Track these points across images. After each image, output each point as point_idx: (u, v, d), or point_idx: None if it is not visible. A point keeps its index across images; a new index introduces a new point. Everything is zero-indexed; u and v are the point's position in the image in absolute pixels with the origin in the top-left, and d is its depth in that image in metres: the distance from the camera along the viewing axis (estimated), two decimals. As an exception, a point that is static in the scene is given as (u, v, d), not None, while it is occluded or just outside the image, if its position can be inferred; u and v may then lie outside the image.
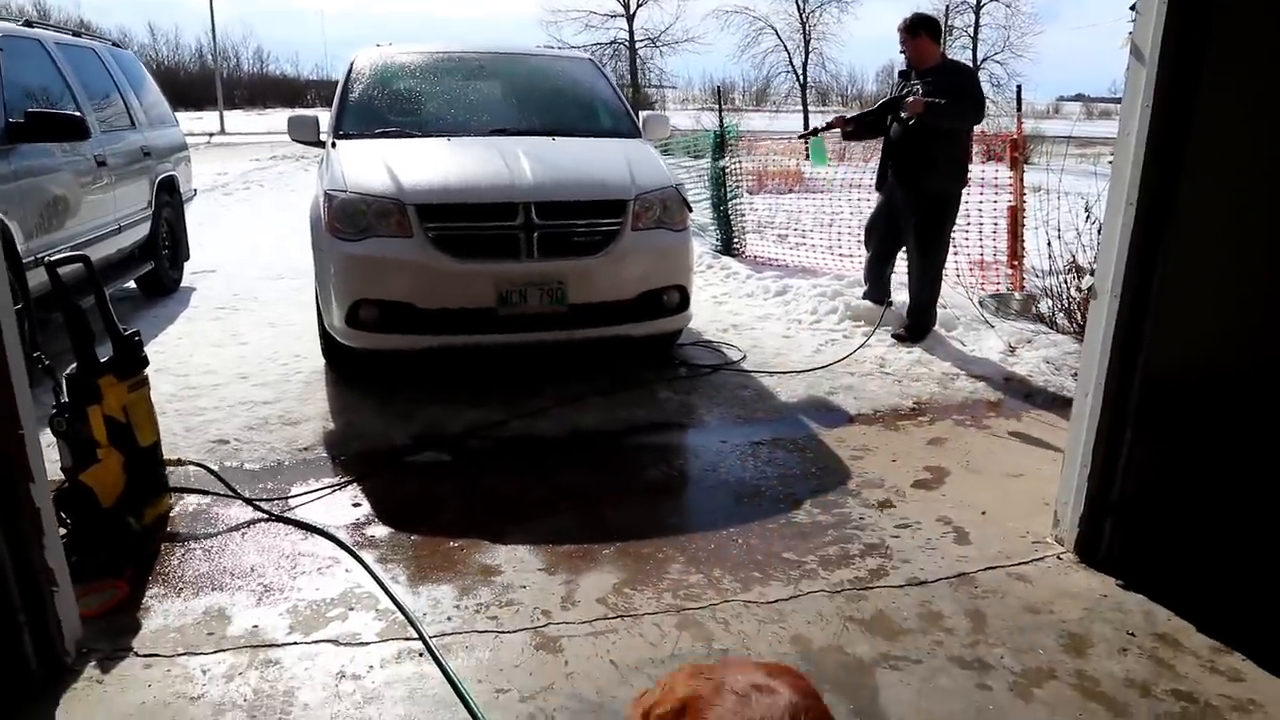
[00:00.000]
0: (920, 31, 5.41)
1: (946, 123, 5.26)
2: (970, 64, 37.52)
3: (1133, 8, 2.72)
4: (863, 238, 6.11)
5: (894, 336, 5.69)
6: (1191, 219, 2.72)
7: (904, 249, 5.74)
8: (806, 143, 6.24)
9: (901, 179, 5.52)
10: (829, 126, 6.10)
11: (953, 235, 5.72)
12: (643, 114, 6.16)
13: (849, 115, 6.11)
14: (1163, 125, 2.66)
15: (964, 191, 5.62)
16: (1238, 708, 2.34)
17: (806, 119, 37.27)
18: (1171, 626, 2.69)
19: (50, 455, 2.90)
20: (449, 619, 2.72)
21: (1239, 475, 2.94)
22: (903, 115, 5.42)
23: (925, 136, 5.32)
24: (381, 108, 5.49)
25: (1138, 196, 2.73)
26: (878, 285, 6.04)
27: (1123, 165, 2.79)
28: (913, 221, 5.50)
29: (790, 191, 12.86)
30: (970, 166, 5.65)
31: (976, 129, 5.85)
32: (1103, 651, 2.57)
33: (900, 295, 5.92)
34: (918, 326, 5.67)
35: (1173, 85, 2.63)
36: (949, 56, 5.58)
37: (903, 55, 5.59)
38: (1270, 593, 2.83)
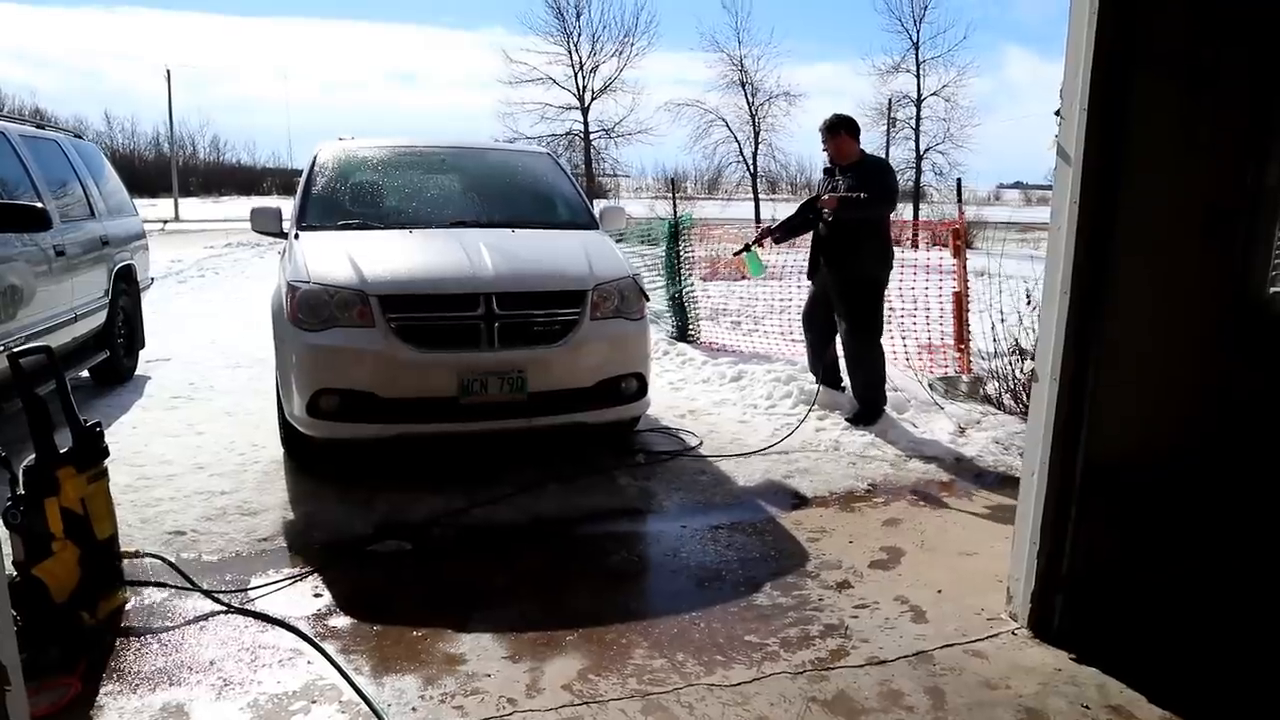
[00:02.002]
0: (840, 131, 5.76)
1: (858, 214, 5.59)
2: (915, 154, 39.12)
3: (1057, 113, 2.93)
4: (802, 327, 6.32)
5: (847, 420, 5.83)
6: (1123, 308, 2.90)
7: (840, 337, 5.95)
8: (743, 258, 6.47)
9: (832, 268, 5.79)
10: (759, 240, 6.45)
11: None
12: (599, 205, 6.34)
13: (773, 225, 6.44)
14: (1090, 220, 2.85)
15: (891, 275, 5.92)
16: (1188, 778, 2.41)
17: (757, 207, 38.33)
18: (1124, 698, 2.76)
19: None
20: (414, 709, 2.70)
21: (1179, 551, 3.07)
22: (822, 213, 5.78)
23: (850, 226, 5.64)
24: (344, 200, 5.60)
25: (1071, 286, 2.90)
26: (825, 370, 6.20)
27: (1056, 256, 2.97)
28: (845, 308, 5.76)
29: (744, 278, 13.13)
30: (894, 251, 5.95)
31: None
32: (1058, 726, 2.63)
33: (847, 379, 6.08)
34: (868, 409, 5.81)
35: (1098, 185, 2.83)
36: (867, 152, 5.91)
37: (825, 153, 5.92)
38: (1212, 661, 2.93)
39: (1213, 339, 3.02)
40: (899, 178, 6.11)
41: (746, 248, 6.43)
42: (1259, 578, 3.13)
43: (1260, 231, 2.99)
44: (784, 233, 6.25)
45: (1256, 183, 2.96)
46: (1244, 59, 2.86)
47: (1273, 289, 3.01)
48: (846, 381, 6.15)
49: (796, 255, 10.98)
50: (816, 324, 6.10)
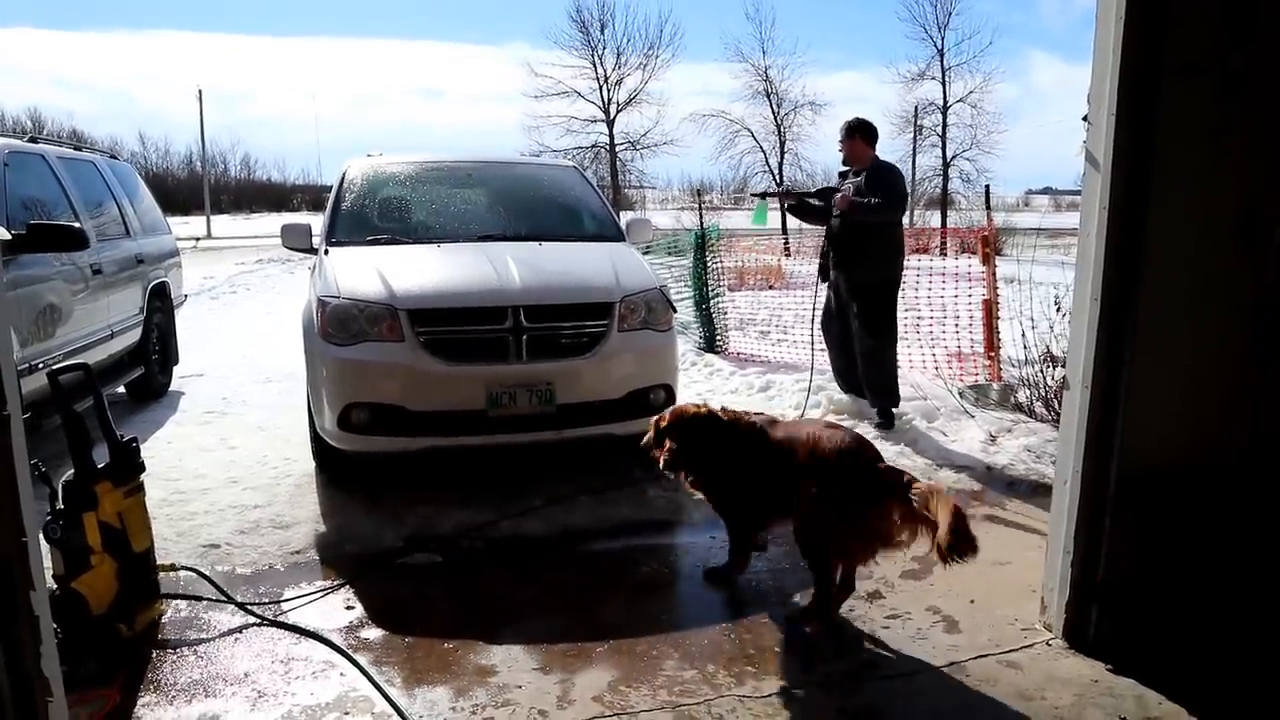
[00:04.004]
0: (855, 135, 5.86)
1: (869, 217, 5.66)
2: (942, 161, 38.87)
3: (1085, 119, 2.91)
4: (821, 336, 6.32)
5: (875, 429, 5.79)
6: (1154, 315, 2.86)
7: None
8: (755, 204, 6.71)
9: (842, 270, 5.86)
10: (773, 194, 6.63)
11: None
12: (626, 217, 6.36)
13: (791, 189, 6.52)
14: (1120, 227, 2.83)
15: (903, 276, 5.98)
16: (1230, 792, 2.36)
17: (784, 219, 38.18)
18: (1163, 710, 2.72)
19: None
20: (445, 721, 2.72)
21: (1216, 560, 3.01)
22: (834, 209, 5.85)
23: (859, 229, 5.70)
24: (373, 215, 5.66)
25: (1101, 293, 2.88)
26: (853, 379, 6.17)
27: (1086, 263, 2.94)
28: (858, 310, 5.79)
29: (771, 288, 13.13)
30: (905, 252, 6.02)
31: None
32: (1095, 739, 2.60)
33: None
34: (885, 412, 5.83)
35: (1127, 191, 2.80)
36: (880, 158, 5.94)
37: (840, 154, 6.00)
38: (1251, 671, 2.88)
39: (1246, 346, 2.98)
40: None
41: (763, 195, 6.60)
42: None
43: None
44: (799, 202, 6.33)
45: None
46: (1275, 64, 2.82)
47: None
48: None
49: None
50: (834, 330, 6.14)
